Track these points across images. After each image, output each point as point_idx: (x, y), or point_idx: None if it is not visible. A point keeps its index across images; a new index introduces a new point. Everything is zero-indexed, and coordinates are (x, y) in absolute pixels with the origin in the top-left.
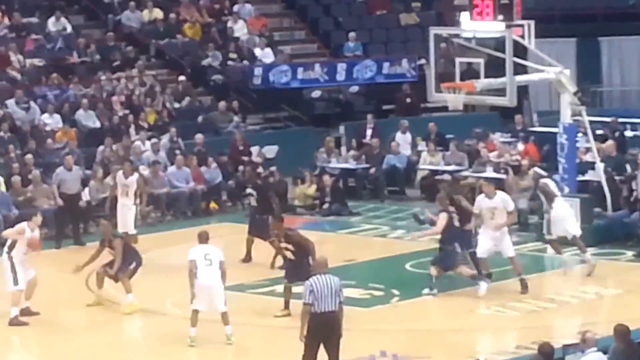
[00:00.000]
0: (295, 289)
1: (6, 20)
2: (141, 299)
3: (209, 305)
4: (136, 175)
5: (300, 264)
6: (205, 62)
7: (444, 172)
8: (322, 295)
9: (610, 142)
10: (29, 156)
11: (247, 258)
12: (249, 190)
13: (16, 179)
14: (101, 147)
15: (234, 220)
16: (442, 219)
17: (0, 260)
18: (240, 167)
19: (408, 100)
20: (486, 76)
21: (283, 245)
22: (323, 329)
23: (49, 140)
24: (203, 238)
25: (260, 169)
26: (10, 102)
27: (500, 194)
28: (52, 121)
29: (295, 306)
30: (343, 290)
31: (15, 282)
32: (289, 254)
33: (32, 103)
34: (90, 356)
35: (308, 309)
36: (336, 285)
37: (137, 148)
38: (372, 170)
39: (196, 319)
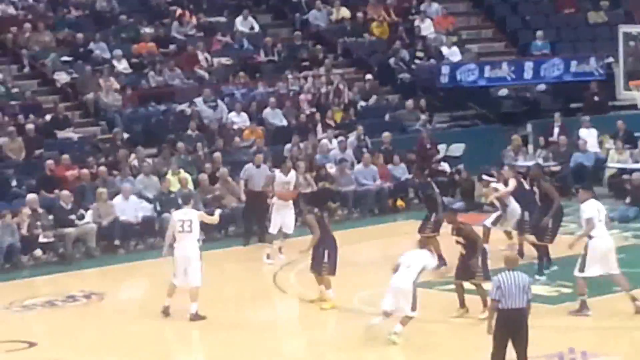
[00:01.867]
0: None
1: (194, 20)
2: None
3: (395, 305)
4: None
5: (469, 260)
6: (392, 60)
7: (632, 170)
8: (510, 292)
9: None
10: (217, 154)
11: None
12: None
13: (204, 177)
14: (288, 145)
15: (421, 217)
16: None
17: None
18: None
19: (596, 98)
20: None
21: (455, 238)
22: (511, 326)
23: (237, 139)
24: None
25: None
26: (199, 101)
27: None
28: (239, 120)
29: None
30: (531, 288)
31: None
32: (460, 248)
33: (219, 102)
34: (277, 353)
35: (495, 305)
36: (524, 283)
37: (324, 146)
38: (560, 168)
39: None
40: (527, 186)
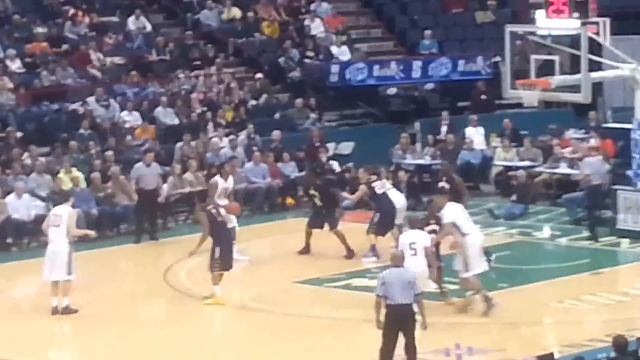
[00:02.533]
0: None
1: (87, 20)
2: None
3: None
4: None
5: None
6: (282, 60)
7: (518, 168)
8: (393, 288)
9: None
10: (109, 153)
11: (306, 250)
12: (311, 192)
13: (96, 175)
14: (179, 144)
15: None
16: None
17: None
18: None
19: (483, 97)
20: (561, 73)
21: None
22: (397, 321)
23: (129, 137)
24: (414, 223)
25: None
26: (91, 100)
27: None
28: (131, 118)
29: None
30: (417, 284)
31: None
32: None
33: (111, 100)
34: (170, 349)
35: (379, 301)
36: (409, 278)
37: (215, 144)
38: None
39: None
40: (379, 190)
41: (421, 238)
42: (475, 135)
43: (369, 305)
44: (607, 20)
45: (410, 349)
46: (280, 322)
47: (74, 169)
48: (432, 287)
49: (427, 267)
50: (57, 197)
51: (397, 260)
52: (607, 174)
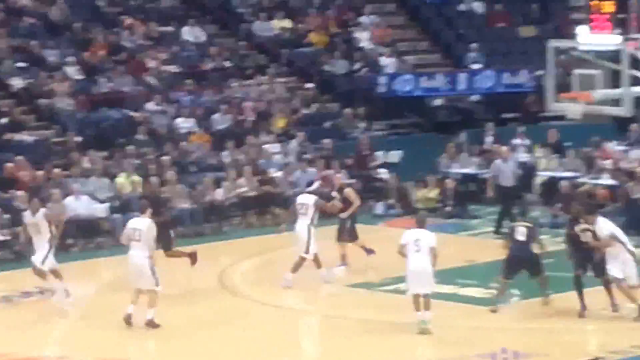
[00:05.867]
0: None
1: (143, 29)
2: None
3: (420, 287)
4: None
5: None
6: (331, 70)
7: (561, 178)
8: None
9: None
10: (165, 158)
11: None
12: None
13: (153, 180)
14: (227, 151)
15: (359, 221)
16: None
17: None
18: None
19: (528, 109)
20: (603, 87)
21: None
22: None
23: (184, 143)
24: (420, 222)
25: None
26: (148, 107)
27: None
28: (187, 125)
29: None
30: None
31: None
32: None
33: (168, 107)
34: (223, 349)
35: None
36: None
37: (267, 152)
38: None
39: (419, 304)
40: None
41: (427, 237)
42: (520, 145)
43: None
44: None
45: None
46: (330, 324)
47: (132, 174)
48: (434, 287)
49: (430, 266)
50: (121, 201)
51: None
52: None
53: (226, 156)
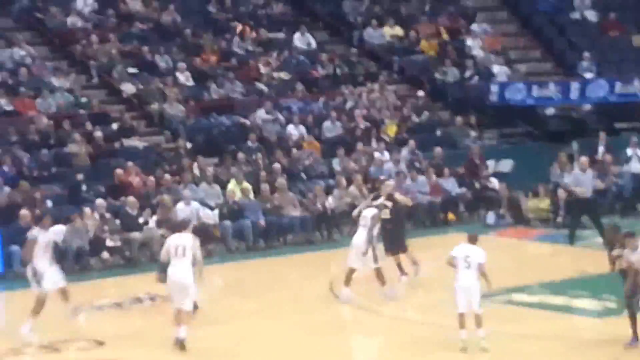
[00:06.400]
0: None
1: (254, 35)
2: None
3: (467, 305)
4: None
5: None
6: (442, 78)
7: None
8: None
9: None
10: (276, 165)
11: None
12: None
13: (264, 187)
14: (337, 159)
15: (471, 230)
16: None
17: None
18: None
19: None
20: None
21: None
22: None
23: (294, 150)
24: (472, 239)
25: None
26: (259, 114)
27: None
28: (297, 132)
29: None
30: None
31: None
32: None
33: (278, 114)
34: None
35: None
36: None
37: (378, 159)
38: (604, 186)
39: (463, 322)
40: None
41: (477, 254)
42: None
43: (528, 319)
44: None
45: None
46: (437, 335)
47: (243, 180)
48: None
49: (478, 282)
50: (232, 208)
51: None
52: None
53: (337, 164)
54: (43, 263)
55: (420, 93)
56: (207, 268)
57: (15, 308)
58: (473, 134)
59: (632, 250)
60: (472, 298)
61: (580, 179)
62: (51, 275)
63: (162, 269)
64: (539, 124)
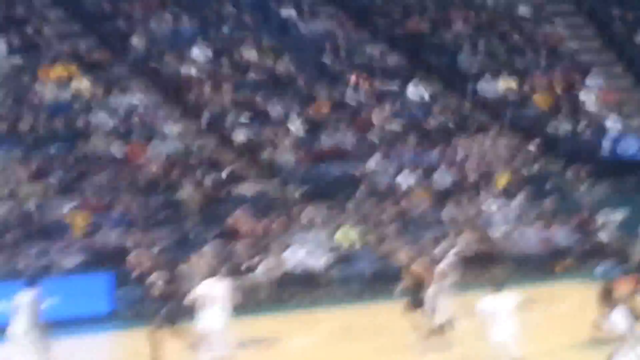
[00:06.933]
0: None
1: (367, 86)
2: None
3: None
4: None
5: None
6: (555, 131)
7: None
8: None
9: None
10: (386, 213)
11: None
12: None
13: (374, 234)
14: (453, 208)
15: (582, 279)
16: None
17: None
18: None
19: None
20: None
21: None
22: None
23: (405, 200)
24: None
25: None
26: (369, 163)
27: None
28: (407, 182)
29: None
30: None
31: None
32: None
33: (389, 164)
34: None
35: None
36: None
37: (488, 210)
38: None
39: None
40: None
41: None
42: None
43: None
44: None
45: None
46: None
47: (352, 228)
48: None
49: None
50: (340, 255)
51: None
52: None
53: (447, 213)
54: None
55: (532, 145)
56: (315, 314)
57: (123, 349)
58: (584, 185)
59: None
60: None
61: None
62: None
63: None
64: None
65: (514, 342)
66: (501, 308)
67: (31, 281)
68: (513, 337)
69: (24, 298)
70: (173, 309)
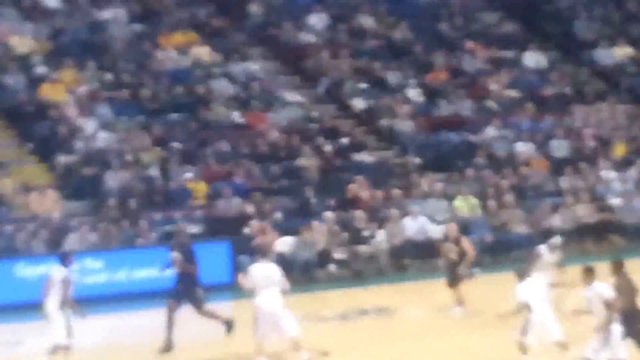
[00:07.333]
0: None
1: (484, 53)
2: None
3: None
4: None
5: None
6: None
7: None
8: None
9: None
10: (504, 182)
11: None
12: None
13: (491, 203)
14: (565, 177)
15: None
16: None
17: None
18: None
19: None
20: None
21: None
22: None
23: (523, 168)
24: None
25: None
26: (488, 131)
27: None
28: (525, 150)
29: None
30: None
31: None
32: None
33: (507, 132)
34: None
35: None
36: None
37: (605, 178)
38: None
39: None
40: None
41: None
42: None
43: None
44: None
45: None
46: None
47: (470, 196)
48: None
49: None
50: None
51: None
52: None
53: (564, 182)
54: None
55: None
56: (431, 283)
57: (242, 317)
58: None
59: None
60: None
61: None
62: None
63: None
64: None
65: (555, 326)
66: (536, 293)
67: (63, 257)
68: (552, 320)
69: (57, 274)
70: None
